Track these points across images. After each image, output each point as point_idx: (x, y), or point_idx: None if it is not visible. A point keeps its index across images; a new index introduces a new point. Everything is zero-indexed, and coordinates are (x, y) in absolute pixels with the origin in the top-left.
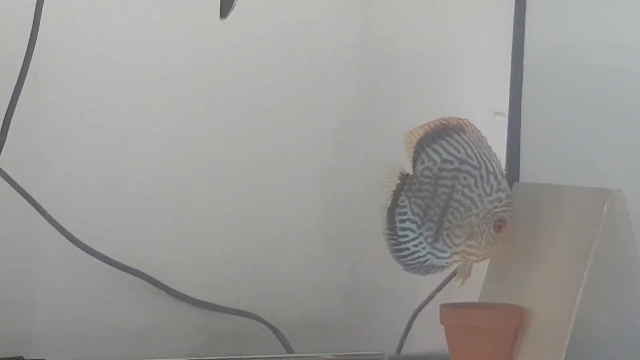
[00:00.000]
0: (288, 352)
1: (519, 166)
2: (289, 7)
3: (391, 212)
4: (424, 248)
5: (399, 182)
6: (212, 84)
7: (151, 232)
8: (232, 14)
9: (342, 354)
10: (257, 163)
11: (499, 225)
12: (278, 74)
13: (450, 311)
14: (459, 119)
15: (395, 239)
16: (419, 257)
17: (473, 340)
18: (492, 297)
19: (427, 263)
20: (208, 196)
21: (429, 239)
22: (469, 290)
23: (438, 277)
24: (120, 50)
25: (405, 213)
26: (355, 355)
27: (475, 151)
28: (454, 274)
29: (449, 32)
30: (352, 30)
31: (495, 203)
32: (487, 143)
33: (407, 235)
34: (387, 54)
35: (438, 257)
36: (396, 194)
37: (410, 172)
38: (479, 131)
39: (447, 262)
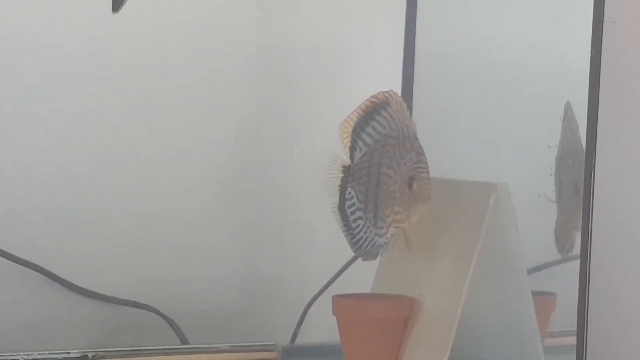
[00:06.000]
0: (183, 343)
1: None
2: (188, 2)
3: (342, 208)
4: (370, 231)
5: (342, 175)
6: (114, 81)
7: (45, 223)
8: (131, 10)
9: (236, 344)
10: (154, 155)
11: (410, 183)
12: (178, 70)
13: (341, 302)
14: (385, 92)
15: (352, 233)
16: (369, 242)
17: (364, 331)
18: (384, 287)
19: (376, 245)
20: (104, 188)
21: (372, 221)
22: (363, 281)
23: (332, 268)
24: (15, 51)
25: (354, 204)
26: (249, 346)
27: (397, 121)
28: (346, 266)
29: (345, 28)
30: (250, 27)
31: (408, 164)
32: (405, 108)
33: (359, 226)
34: (285, 49)
35: (380, 236)
36: (342, 188)
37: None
38: (400, 97)
39: (387, 238)
